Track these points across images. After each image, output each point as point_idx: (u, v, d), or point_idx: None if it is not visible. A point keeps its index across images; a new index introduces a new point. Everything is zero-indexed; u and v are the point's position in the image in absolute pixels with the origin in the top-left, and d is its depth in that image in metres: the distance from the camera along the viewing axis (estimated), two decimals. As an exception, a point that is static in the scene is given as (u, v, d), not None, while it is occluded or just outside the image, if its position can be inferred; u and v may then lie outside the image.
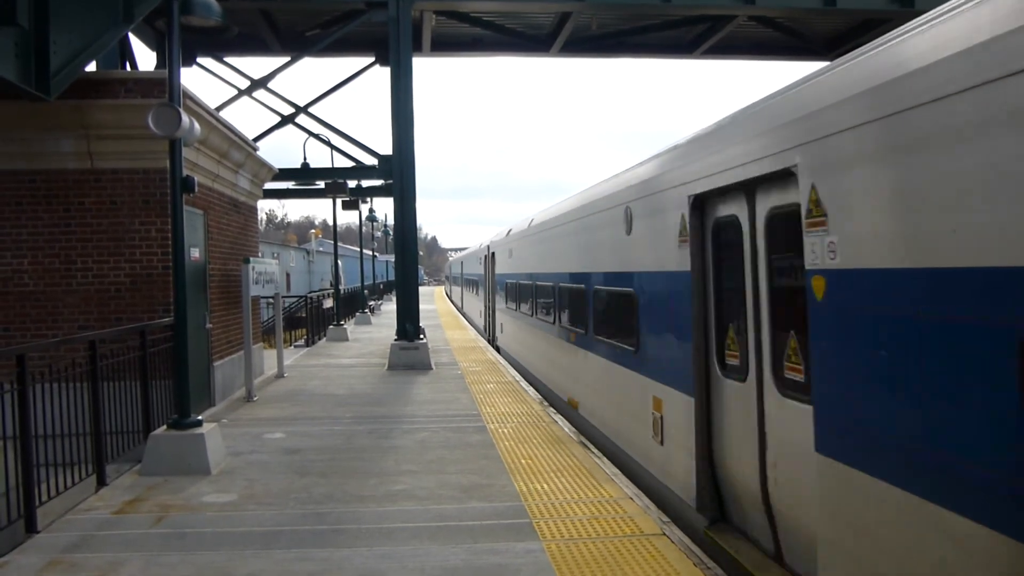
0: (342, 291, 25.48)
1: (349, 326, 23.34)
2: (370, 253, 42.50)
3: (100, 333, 7.40)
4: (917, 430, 3.10)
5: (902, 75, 3.25)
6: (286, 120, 15.66)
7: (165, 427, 7.33)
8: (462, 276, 37.44)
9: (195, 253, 9.88)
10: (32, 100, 8.02)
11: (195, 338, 9.27)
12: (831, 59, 16.00)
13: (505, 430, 8.72)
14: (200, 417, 7.52)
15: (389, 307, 35.69)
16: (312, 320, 20.99)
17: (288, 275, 49.64)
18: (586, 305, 9.16)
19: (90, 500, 6.27)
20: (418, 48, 15.89)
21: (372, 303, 35.01)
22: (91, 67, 9.20)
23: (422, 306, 15.74)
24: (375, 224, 42.54)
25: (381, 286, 51.91)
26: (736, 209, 5.06)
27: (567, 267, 10.33)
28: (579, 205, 9.58)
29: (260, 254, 14.54)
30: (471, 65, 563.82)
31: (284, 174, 15.39)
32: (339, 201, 22.30)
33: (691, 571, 4.63)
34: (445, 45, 16.92)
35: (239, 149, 11.37)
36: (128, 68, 13.89)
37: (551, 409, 10.07)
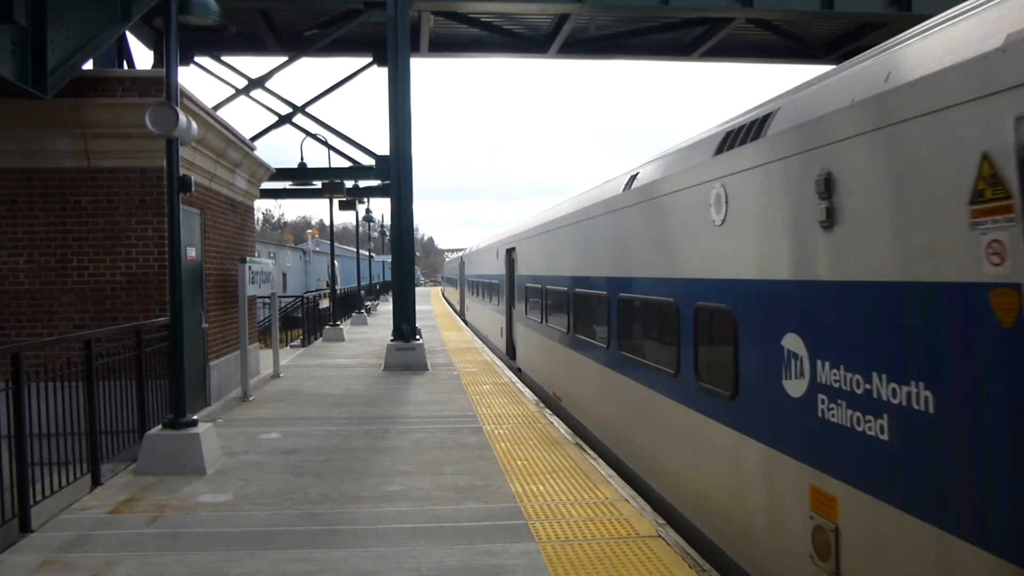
0: (338, 291, 25.45)
1: (345, 326, 23.31)
2: (367, 253, 42.46)
3: (96, 332, 7.37)
4: None
5: None
6: (283, 120, 15.63)
7: (160, 427, 7.31)
8: (462, 279, 32.10)
9: (191, 252, 9.86)
10: (29, 98, 7.99)
11: (191, 337, 9.25)
12: (830, 62, 16.08)
13: (501, 431, 8.71)
14: (196, 417, 7.51)
15: (385, 307, 35.64)
16: (308, 320, 20.96)
17: (284, 275, 49.56)
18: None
19: (85, 499, 6.25)
20: (416, 48, 15.88)
21: (369, 303, 34.95)
22: (88, 65, 9.16)
23: (418, 307, 15.72)
24: (372, 224, 42.50)
25: (378, 286, 51.85)
26: None
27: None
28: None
29: (257, 254, 14.52)
30: (469, 66, 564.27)
31: (281, 174, 15.37)
32: (336, 201, 22.29)
33: (687, 573, 4.63)
34: (443, 46, 16.92)
35: (236, 148, 11.35)
36: (125, 67, 13.87)
37: (547, 411, 10.07)
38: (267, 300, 14.01)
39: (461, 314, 32.68)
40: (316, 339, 20.92)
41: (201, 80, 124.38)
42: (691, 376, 5.81)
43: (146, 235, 8.99)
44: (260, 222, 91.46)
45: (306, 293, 26.34)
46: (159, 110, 7.04)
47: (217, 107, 14.65)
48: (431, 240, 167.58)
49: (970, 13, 3.26)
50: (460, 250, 54.48)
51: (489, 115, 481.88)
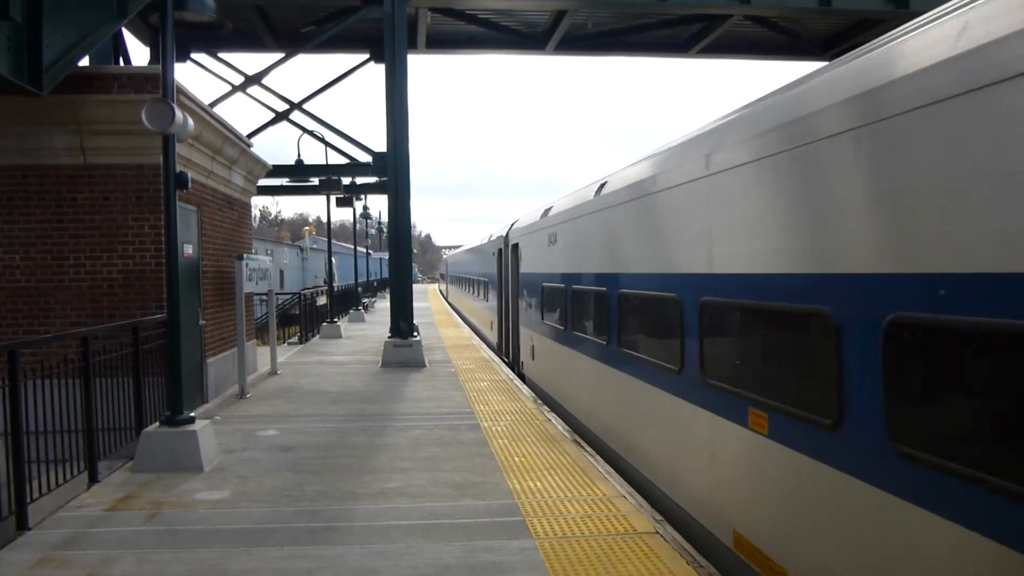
0: (336, 288, 25.42)
1: (343, 323, 23.30)
2: (364, 250, 42.42)
3: (92, 329, 7.37)
4: None
5: None
6: (280, 116, 15.61)
7: (158, 424, 7.30)
8: (504, 280, 16.86)
9: (188, 249, 9.84)
10: (25, 95, 7.96)
11: (188, 335, 9.24)
12: (827, 59, 16.07)
13: (499, 428, 8.71)
14: (193, 414, 7.51)
15: (383, 304, 35.64)
16: (306, 317, 20.94)
17: (282, 272, 49.51)
18: None
19: (82, 497, 6.24)
20: (413, 45, 15.86)
21: (366, 300, 34.94)
22: (84, 62, 9.13)
23: (416, 304, 15.72)
24: (369, 221, 42.48)
25: (375, 283, 51.81)
26: None
27: None
28: None
29: (254, 251, 14.50)
30: (467, 62, 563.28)
31: (278, 171, 15.35)
32: (333, 198, 22.27)
33: (684, 570, 4.64)
34: (440, 42, 16.89)
35: (233, 145, 11.32)
36: (121, 63, 13.82)
37: (544, 407, 10.07)
38: (264, 297, 13.98)
39: (503, 352, 17.19)
40: (313, 336, 20.91)
41: (198, 77, 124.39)
42: None
43: (143, 232, 8.98)
44: (257, 219, 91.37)
45: (303, 290, 26.31)
46: (155, 107, 7.02)
47: (214, 104, 14.61)
48: (428, 237, 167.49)
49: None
50: (458, 247, 52.96)
51: (486, 112, 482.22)
